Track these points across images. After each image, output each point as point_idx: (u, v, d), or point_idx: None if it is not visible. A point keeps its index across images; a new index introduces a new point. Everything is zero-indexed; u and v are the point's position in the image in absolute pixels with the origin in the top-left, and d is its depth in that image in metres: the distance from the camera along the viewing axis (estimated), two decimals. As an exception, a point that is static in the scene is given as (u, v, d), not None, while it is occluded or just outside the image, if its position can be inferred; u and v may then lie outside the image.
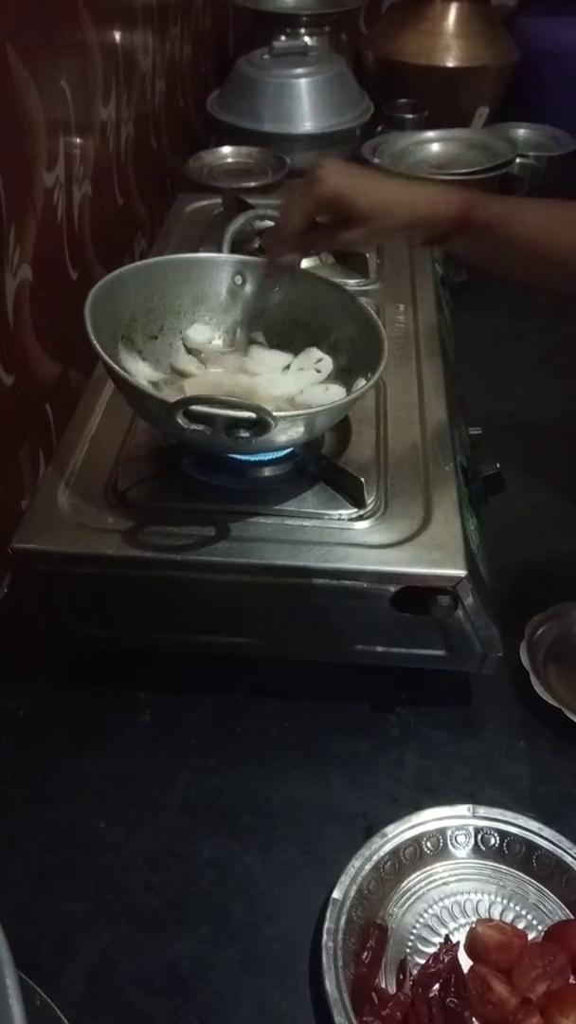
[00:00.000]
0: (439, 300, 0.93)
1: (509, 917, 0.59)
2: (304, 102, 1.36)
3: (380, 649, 0.69)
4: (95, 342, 0.62)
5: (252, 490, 0.69)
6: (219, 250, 0.77)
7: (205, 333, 0.76)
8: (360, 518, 0.66)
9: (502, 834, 0.62)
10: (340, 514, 0.67)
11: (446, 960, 0.56)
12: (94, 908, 0.60)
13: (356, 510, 0.67)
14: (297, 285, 0.75)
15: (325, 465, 0.69)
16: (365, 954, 0.56)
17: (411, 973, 0.56)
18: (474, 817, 0.62)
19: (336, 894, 0.57)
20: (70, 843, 0.63)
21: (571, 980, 0.55)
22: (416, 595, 0.63)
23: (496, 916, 0.59)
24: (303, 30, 1.52)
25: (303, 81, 1.36)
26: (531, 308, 1.22)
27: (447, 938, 0.58)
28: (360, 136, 1.42)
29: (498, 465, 0.78)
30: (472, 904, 0.60)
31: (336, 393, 0.70)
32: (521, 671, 0.72)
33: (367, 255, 0.94)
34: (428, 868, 0.61)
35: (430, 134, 1.43)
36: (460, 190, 0.67)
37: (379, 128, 1.47)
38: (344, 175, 0.66)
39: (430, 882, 0.61)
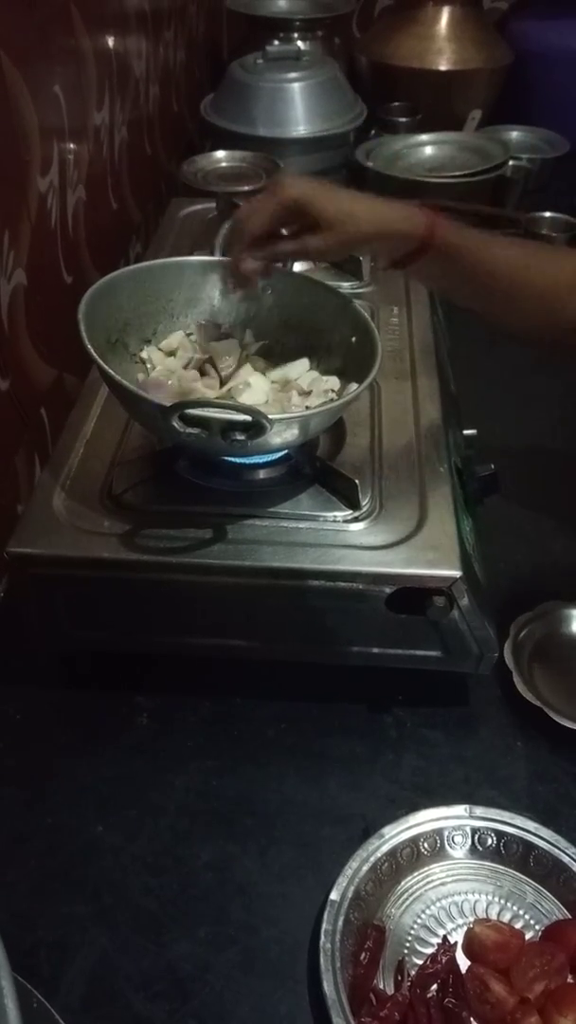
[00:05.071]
0: (433, 302, 0.94)
1: (507, 917, 0.59)
2: (298, 106, 1.37)
3: (376, 650, 0.69)
4: (89, 346, 0.63)
5: (247, 492, 0.69)
6: (212, 253, 0.77)
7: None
8: (355, 520, 0.67)
9: (499, 834, 0.62)
10: (335, 516, 0.67)
11: (444, 960, 0.56)
12: (93, 911, 0.60)
13: (351, 512, 0.67)
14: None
15: (320, 467, 0.69)
16: (363, 955, 0.56)
17: (409, 974, 0.56)
18: (471, 817, 0.62)
19: (334, 895, 0.57)
20: (68, 847, 0.63)
21: (569, 979, 0.56)
22: (412, 596, 0.63)
23: (494, 916, 0.59)
24: (296, 34, 1.53)
25: (296, 85, 1.36)
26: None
27: (445, 938, 0.58)
28: (354, 140, 1.42)
29: (492, 466, 0.78)
30: (470, 904, 0.60)
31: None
32: (517, 671, 0.72)
33: (360, 257, 0.94)
34: (425, 869, 0.61)
35: (423, 137, 1.44)
36: (427, 210, 0.66)
37: (372, 132, 1.48)
38: (306, 183, 0.66)
39: (428, 883, 0.61)
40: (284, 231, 0.68)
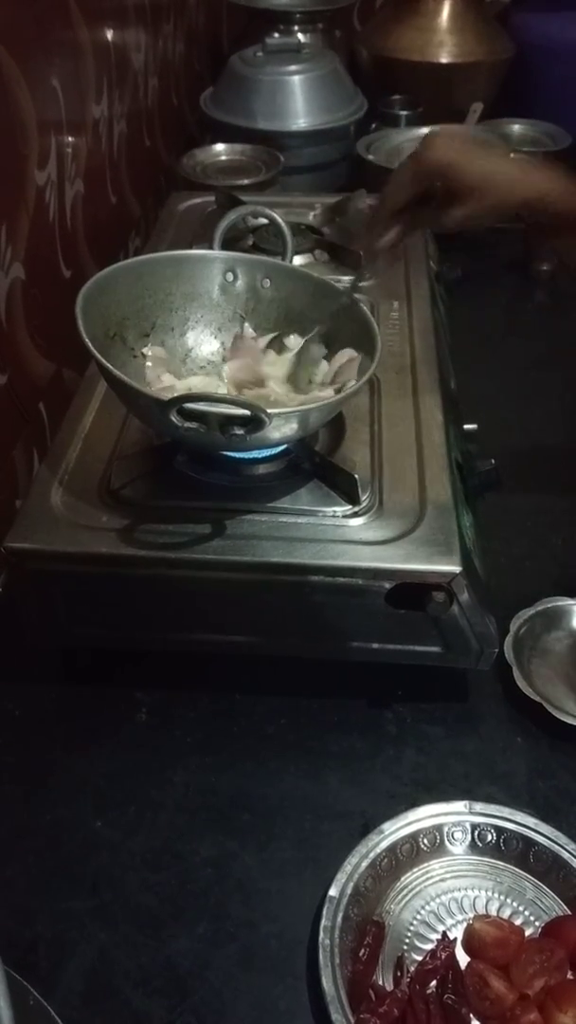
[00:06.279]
0: (434, 296, 0.93)
1: (506, 913, 0.59)
2: (298, 99, 1.36)
3: (376, 646, 0.68)
4: (87, 340, 0.62)
5: (246, 487, 0.68)
6: (211, 247, 0.77)
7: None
8: (355, 515, 0.66)
9: (499, 830, 0.62)
10: (335, 511, 0.67)
11: (443, 957, 0.56)
12: (92, 908, 0.60)
13: (351, 507, 0.67)
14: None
15: (319, 462, 0.69)
16: (362, 951, 0.56)
17: (408, 970, 0.56)
18: (471, 813, 0.62)
19: (333, 891, 0.57)
20: (67, 843, 0.63)
21: (569, 976, 0.55)
22: (411, 591, 0.63)
23: (493, 912, 0.59)
24: (297, 27, 1.53)
25: (297, 78, 1.36)
26: (526, 304, 1.22)
27: (444, 935, 0.58)
28: (354, 133, 1.42)
29: (493, 461, 0.78)
30: (469, 900, 0.60)
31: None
32: (517, 667, 0.72)
33: (360, 252, 0.94)
34: (425, 865, 0.61)
35: (425, 130, 1.43)
36: None
37: (373, 125, 1.47)
38: (453, 145, 0.63)
39: (427, 879, 0.61)
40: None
